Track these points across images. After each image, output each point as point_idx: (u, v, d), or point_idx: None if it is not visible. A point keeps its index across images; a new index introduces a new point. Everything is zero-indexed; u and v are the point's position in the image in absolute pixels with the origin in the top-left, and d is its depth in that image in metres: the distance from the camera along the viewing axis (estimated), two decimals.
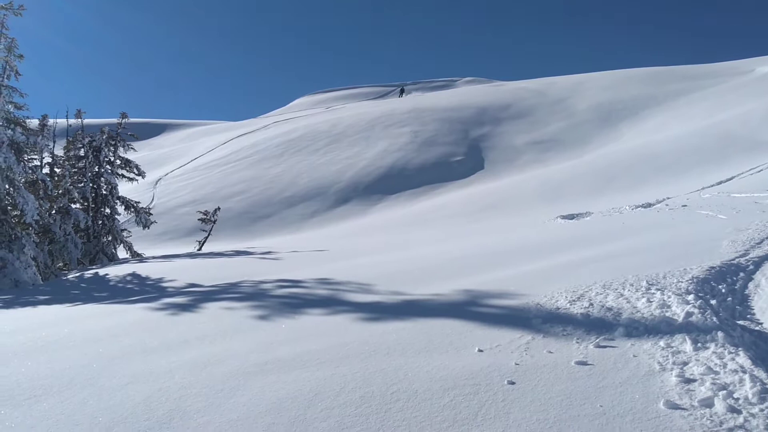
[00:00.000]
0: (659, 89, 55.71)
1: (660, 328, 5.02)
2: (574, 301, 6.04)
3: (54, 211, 23.14)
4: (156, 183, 44.06)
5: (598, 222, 15.34)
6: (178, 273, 14.55)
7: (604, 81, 64.40)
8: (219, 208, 29.97)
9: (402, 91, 50.95)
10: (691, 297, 5.74)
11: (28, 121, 20.06)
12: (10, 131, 18.72)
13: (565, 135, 46.60)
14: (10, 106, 18.99)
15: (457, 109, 56.63)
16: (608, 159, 33.92)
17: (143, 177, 28.60)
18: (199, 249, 27.13)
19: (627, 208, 17.62)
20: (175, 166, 51.02)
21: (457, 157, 43.07)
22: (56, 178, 24.28)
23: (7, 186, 18.33)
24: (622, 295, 6.07)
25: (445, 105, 58.68)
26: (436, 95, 72.79)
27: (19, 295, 13.86)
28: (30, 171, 20.32)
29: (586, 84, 63.98)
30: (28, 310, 10.96)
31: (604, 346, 4.75)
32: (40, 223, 20.31)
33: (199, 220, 29.81)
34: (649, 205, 17.56)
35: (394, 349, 5.16)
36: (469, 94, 69.15)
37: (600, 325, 5.25)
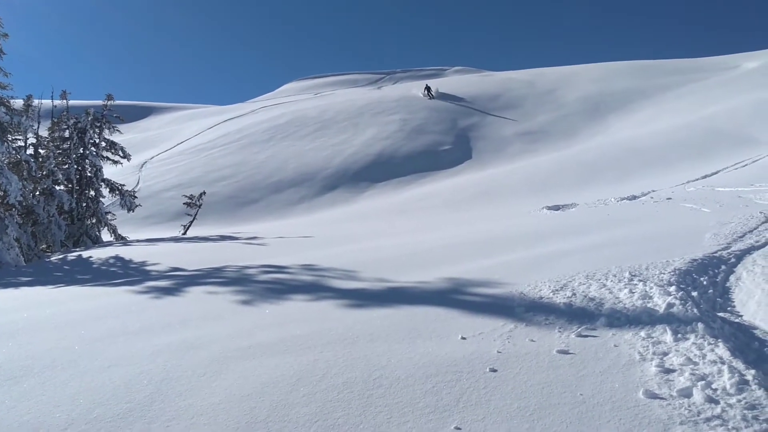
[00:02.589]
0: (648, 82, 55.91)
1: (641, 318, 5.06)
2: (557, 290, 6.08)
3: (38, 193, 22.94)
4: (142, 166, 43.72)
5: (584, 213, 15.42)
6: (162, 257, 14.48)
7: (593, 73, 64.51)
8: (204, 193, 29.79)
9: (428, 90, 52.22)
10: (672, 288, 5.78)
11: (12, 101, 19.81)
12: None
13: (554, 126, 46.69)
14: None
15: (446, 98, 56.58)
16: (595, 151, 34.08)
17: (128, 160, 28.35)
18: (184, 233, 26.99)
19: (613, 200, 17.73)
20: (161, 150, 50.63)
21: (445, 147, 43.06)
22: (40, 160, 24.05)
23: None
24: (604, 285, 6.11)
25: (434, 91, 58.55)
26: (425, 83, 72.64)
27: (1, 276, 13.75)
28: (14, 151, 20.12)
29: (575, 76, 64.06)
30: (9, 292, 10.89)
31: (586, 336, 4.79)
32: (24, 204, 20.13)
33: (184, 204, 29.64)
34: (635, 197, 17.66)
35: (378, 335, 5.16)
36: (458, 83, 69.03)
37: (582, 315, 5.29)
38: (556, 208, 17.89)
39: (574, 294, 5.90)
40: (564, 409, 3.57)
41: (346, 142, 44.43)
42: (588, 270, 6.80)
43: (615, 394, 3.73)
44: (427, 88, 51.11)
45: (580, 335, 4.80)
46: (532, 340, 4.74)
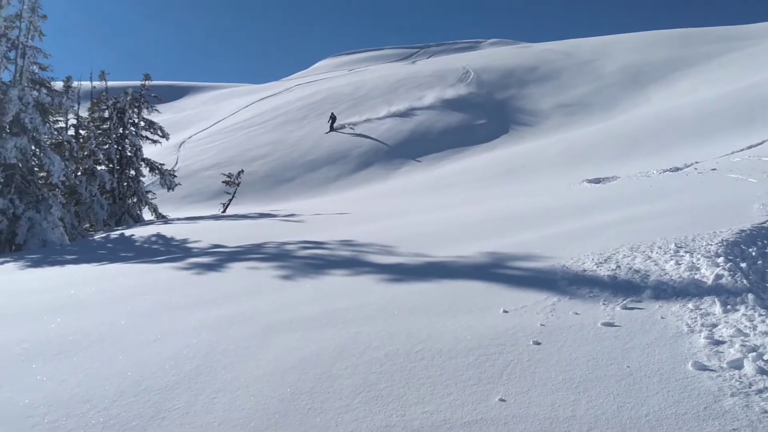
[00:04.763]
0: (690, 51, 54.36)
1: (689, 290, 4.96)
2: (601, 263, 5.98)
3: (80, 173, 23.42)
4: (180, 146, 44.21)
5: (625, 186, 15.12)
6: (202, 234, 14.67)
7: (632, 43, 62.97)
8: (243, 171, 30.06)
9: (333, 120, 41.93)
10: (720, 260, 5.65)
11: (52, 82, 20.15)
12: (35, 92, 18.87)
13: (592, 98, 45.79)
14: (34, 67, 19.11)
15: (482, 72, 55.87)
16: (636, 123, 33.32)
17: (167, 139, 28.72)
18: (224, 211, 27.32)
19: (654, 172, 17.34)
20: (198, 129, 51.12)
21: (481, 121, 42.60)
22: (81, 140, 24.49)
23: (33, 147, 18.54)
24: (650, 257, 5.99)
25: (470, 67, 57.88)
26: (460, 57, 71.84)
27: (47, 254, 14.08)
28: (56, 132, 20.52)
29: (614, 46, 62.62)
30: (56, 269, 11.14)
31: (632, 308, 4.71)
32: (66, 184, 20.58)
33: (223, 182, 29.96)
34: (677, 169, 17.25)
35: (418, 309, 5.16)
36: (494, 56, 68.11)
37: (627, 287, 5.20)
38: (597, 181, 17.59)
39: (619, 266, 5.80)
40: (610, 382, 3.52)
41: (381, 118, 44.22)
42: (632, 242, 6.67)
43: (663, 366, 3.67)
44: (332, 118, 42.92)
45: (625, 308, 4.72)
46: (576, 313, 4.68)
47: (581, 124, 39.00)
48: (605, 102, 44.35)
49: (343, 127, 42.57)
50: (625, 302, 4.83)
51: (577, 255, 6.43)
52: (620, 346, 4.00)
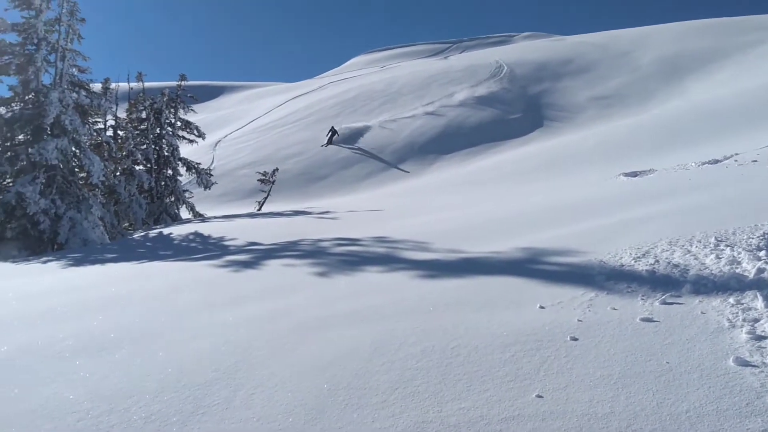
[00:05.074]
0: (728, 41, 53.13)
1: (730, 284, 4.86)
2: (639, 257, 5.90)
3: (119, 173, 23.85)
4: (215, 145, 44.76)
5: (663, 179, 14.87)
6: (239, 232, 14.84)
7: (669, 33, 61.78)
8: (277, 169, 30.35)
9: (333, 134, 38.61)
10: (762, 253, 5.52)
11: (91, 84, 20.56)
12: (74, 94, 19.28)
13: (629, 90, 45.10)
14: (74, 70, 19.51)
15: (516, 65, 55.41)
16: (673, 114, 32.70)
17: (203, 138, 29.10)
18: (259, 209, 27.60)
19: (693, 164, 17.00)
20: (233, 128, 51.71)
21: (515, 115, 42.27)
22: (120, 140, 24.95)
23: (73, 148, 18.94)
24: (689, 251, 5.89)
25: (503, 61, 57.43)
26: (492, 51, 71.33)
27: (88, 253, 14.38)
28: (95, 133, 20.94)
29: (650, 37, 61.54)
30: (97, 268, 11.38)
31: (671, 303, 4.64)
32: (106, 184, 20.99)
33: (258, 180, 30.27)
34: (717, 161, 16.88)
35: (454, 305, 5.15)
36: (527, 49, 67.47)
37: (666, 282, 5.12)
38: (633, 174, 17.31)
39: (657, 261, 5.71)
40: (649, 378, 3.47)
41: (414, 114, 44.14)
42: (671, 236, 6.55)
43: (703, 361, 3.61)
44: (332, 132, 41.26)
45: (664, 303, 4.65)
46: (614, 309, 4.63)
47: (617, 116, 38.44)
48: (642, 94, 43.64)
49: (336, 134, 41.40)
50: (664, 297, 4.76)
51: (615, 250, 6.35)
52: (659, 341, 3.94)
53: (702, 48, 52.32)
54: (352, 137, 40.80)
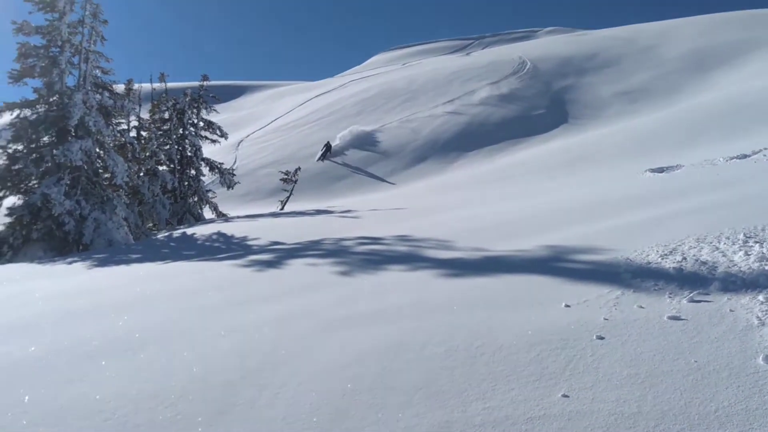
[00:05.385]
0: (756, 33, 52.18)
1: (759, 281, 4.77)
2: (665, 255, 5.81)
3: (142, 173, 24.10)
4: (238, 144, 45.04)
5: (690, 174, 14.67)
6: (261, 231, 14.92)
7: (696, 26, 60.89)
8: (299, 169, 30.46)
9: (328, 149, 35.95)
10: None
11: (114, 85, 20.79)
12: (98, 96, 19.50)
13: (654, 85, 44.51)
14: (97, 71, 19.73)
15: (539, 61, 55.02)
16: (701, 109, 32.21)
17: (226, 138, 29.27)
18: (282, 208, 27.71)
19: (721, 159, 16.75)
20: (255, 128, 52.01)
21: (538, 111, 41.96)
22: (143, 141, 25.21)
23: (97, 149, 19.17)
24: (717, 248, 5.79)
25: (526, 57, 57.06)
26: (515, 47, 70.92)
27: (113, 253, 14.55)
28: (118, 134, 21.16)
29: (677, 30, 60.69)
30: (121, 268, 11.50)
31: (699, 301, 4.56)
32: (130, 184, 21.21)
33: (280, 180, 30.41)
34: (745, 156, 16.60)
35: (477, 304, 5.12)
36: (551, 45, 66.96)
37: (694, 280, 5.04)
38: (660, 170, 17.10)
39: (685, 258, 5.62)
40: (677, 377, 3.42)
41: (435, 111, 44.03)
42: (698, 233, 6.45)
43: (732, 360, 3.54)
44: (327, 147, 39.24)
45: (692, 300, 4.58)
46: (641, 307, 4.56)
47: (643, 111, 37.96)
48: (668, 88, 43.05)
49: (329, 150, 39.27)
50: (691, 295, 4.68)
51: (641, 247, 6.26)
52: (687, 340, 3.88)
53: (730, 41, 51.47)
54: (364, 140, 40.36)
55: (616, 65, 51.32)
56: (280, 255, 9.72)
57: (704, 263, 5.41)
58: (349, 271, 7.46)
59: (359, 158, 37.49)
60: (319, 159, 38.32)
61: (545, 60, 55.35)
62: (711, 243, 5.99)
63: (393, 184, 32.05)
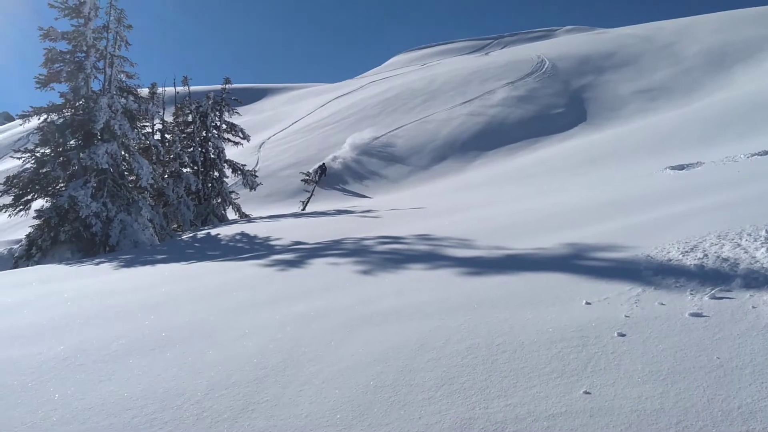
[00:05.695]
0: None
1: None
2: (687, 252, 5.79)
3: (166, 175, 24.38)
4: (260, 146, 45.33)
5: (711, 172, 14.53)
6: (284, 232, 15.03)
7: (715, 23, 60.21)
8: (324, 165, 30.56)
9: (323, 171, 36.54)
10: None
11: (138, 89, 21.06)
12: (123, 100, 19.77)
13: (674, 82, 44.10)
14: (122, 76, 20.00)
15: (557, 60, 54.72)
16: (721, 106, 31.85)
17: (248, 141, 29.53)
18: (303, 209, 27.86)
19: (742, 156, 16.57)
20: (277, 130, 52.30)
21: (557, 110, 41.77)
22: (167, 144, 25.50)
23: (123, 152, 19.43)
24: (739, 245, 5.76)
25: (545, 56, 56.78)
26: (534, 46, 70.60)
27: (139, 254, 14.72)
28: (143, 137, 21.44)
29: (696, 27, 60.07)
30: (147, 269, 11.64)
31: (721, 298, 4.55)
32: (155, 186, 21.48)
33: (302, 181, 30.57)
34: (767, 152, 16.42)
35: (498, 302, 5.14)
36: (569, 43, 66.56)
37: (715, 277, 5.03)
38: (680, 167, 16.96)
39: (706, 255, 5.60)
40: (699, 374, 3.42)
41: (454, 111, 43.99)
42: (719, 230, 6.41)
43: (756, 357, 3.54)
44: (322, 170, 36.27)
45: (714, 297, 4.57)
46: (662, 304, 4.56)
47: (663, 109, 37.64)
48: (688, 86, 42.63)
49: (324, 173, 36.25)
50: (713, 292, 4.67)
51: (662, 244, 6.24)
52: (709, 336, 3.88)
53: (751, 37, 50.82)
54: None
55: (634, 63, 50.91)
56: (302, 254, 9.80)
57: (726, 260, 5.38)
58: (371, 270, 7.51)
59: (384, 156, 37.53)
60: (313, 180, 35.08)
61: (564, 59, 55.05)
62: (732, 240, 5.96)
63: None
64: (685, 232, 6.63)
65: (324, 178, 35.88)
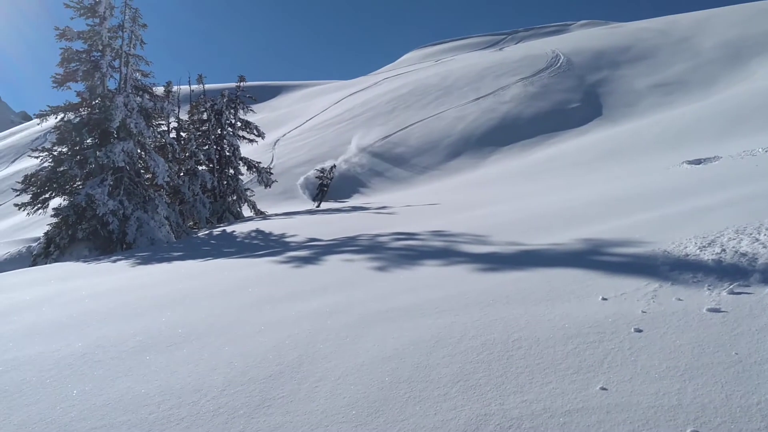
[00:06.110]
0: None
1: None
2: (704, 247, 5.74)
3: (182, 173, 24.52)
4: (275, 144, 45.47)
5: (729, 166, 14.38)
6: (299, 228, 15.08)
7: (732, 16, 59.52)
8: (335, 166, 30.60)
9: (322, 193, 31.97)
10: None
11: (154, 87, 21.19)
12: (138, 98, 19.90)
13: (690, 76, 43.67)
14: (137, 74, 20.13)
15: (572, 54, 54.38)
16: (738, 99, 31.50)
17: (263, 138, 29.61)
18: (318, 206, 27.90)
19: (760, 150, 16.39)
20: (291, 127, 52.42)
21: (573, 105, 41.51)
22: (183, 142, 25.64)
23: (139, 150, 19.56)
24: (757, 239, 5.69)
25: (559, 51, 56.45)
26: (549, 41, 70.21)
27: (156, 252, 14.83)
28: (159, 135, 21.57)
29: (712, 21, 59.42)
30: (164, 266, 11.72)
31: (739, 293, 4.50)
32: (171, 184, 21.63)
33: (316, 178, 30.60)
34: None
35: (514, 298, 5.13)
36: (584, 38, 66.11)
37: (733, 272, 4.97)
38: (697, 162, 16.81)
39: (724, 250, 5.55)
40: (718, 369, 3.39)
41: (468, 107, 43.87)
42: (737, 224, 6.35)
43: None
44: (322, 191, 31.93)
45: (732, 292, 4.52)
46: (679, 299, 4.53)
47: (679, 103, 37.30)
48: (704, 79, 42.20)
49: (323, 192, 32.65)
50: (731, 287, 4.63)
51: (679, 239, 6.19)
52: (727, 332, 3.84)
53: (766, 30, 50.19)
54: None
55: (650, 57, 50.47)
56: (317, 251, 9.82)
57: (744, 255, 5.33)
58: (386, 267, 7.51)
59: (397, 153, 37.51)
60: (317, 204, 30.88)
61: (579, 53, 54.69)
62: (751, 234, 5.90)
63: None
64: (703, 226, 6.57)
65: (334, 178, 34.05)
